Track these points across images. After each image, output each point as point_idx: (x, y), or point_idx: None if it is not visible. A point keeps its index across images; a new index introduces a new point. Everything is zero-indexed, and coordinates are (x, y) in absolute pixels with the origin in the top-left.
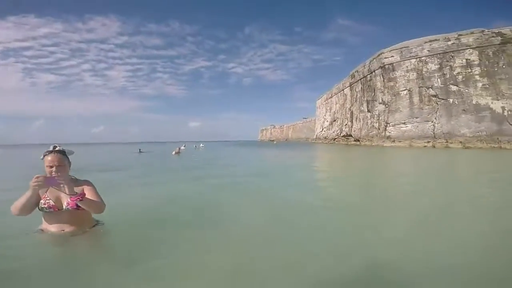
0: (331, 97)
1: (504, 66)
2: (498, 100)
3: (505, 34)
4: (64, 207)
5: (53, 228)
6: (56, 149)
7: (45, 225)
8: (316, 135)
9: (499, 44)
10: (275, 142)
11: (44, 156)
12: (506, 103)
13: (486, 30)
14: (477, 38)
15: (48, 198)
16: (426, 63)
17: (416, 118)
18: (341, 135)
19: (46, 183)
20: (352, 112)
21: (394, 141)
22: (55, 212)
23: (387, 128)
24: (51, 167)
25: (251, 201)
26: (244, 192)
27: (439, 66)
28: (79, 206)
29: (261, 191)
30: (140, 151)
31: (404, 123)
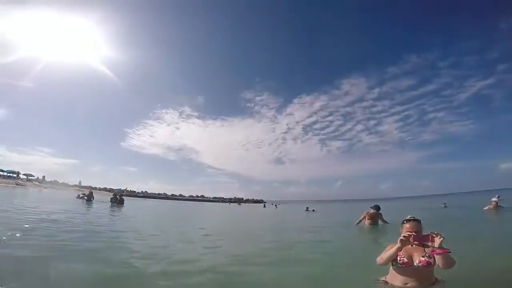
0: None
1: None
2: None
3: None
4: (415, 264)
5: (398, 281)
6: (412, 218)
7: (390, 278)
8: None
9: None
10: None
11: (403, 223)
12: None
13: None
14: None
15: (403, 256)
16: None
17: None
18: None
19: (414, 239)
20: None
21: None
22: (404, 268)
23: None
24: (410, 233)
25: None
26: None
27: None
28: (429, 264)
29: None
30: (445, 206)
31: None
